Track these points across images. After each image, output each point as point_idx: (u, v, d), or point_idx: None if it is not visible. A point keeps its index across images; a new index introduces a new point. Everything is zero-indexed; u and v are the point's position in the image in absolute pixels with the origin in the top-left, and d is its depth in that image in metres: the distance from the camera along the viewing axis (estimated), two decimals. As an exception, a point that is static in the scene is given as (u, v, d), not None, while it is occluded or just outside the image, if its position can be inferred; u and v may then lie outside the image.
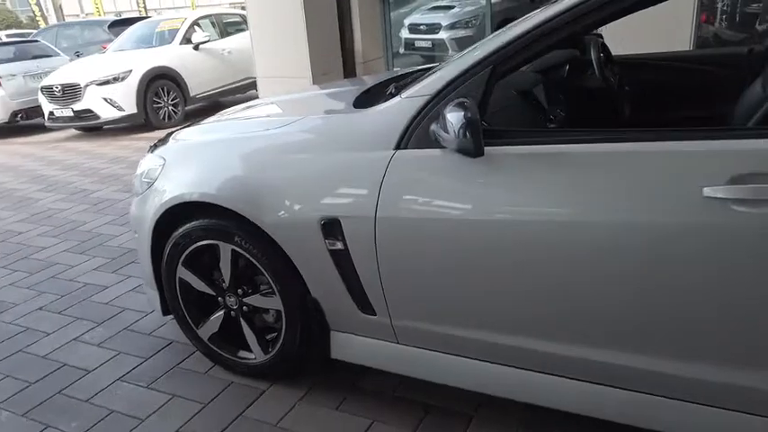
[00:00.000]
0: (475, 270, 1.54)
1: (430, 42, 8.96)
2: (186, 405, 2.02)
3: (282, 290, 1.88)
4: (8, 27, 28.46)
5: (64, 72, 7.90)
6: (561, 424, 1.73)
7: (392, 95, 1.73)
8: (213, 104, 8.49)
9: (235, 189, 1.85)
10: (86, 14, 29.24)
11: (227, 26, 8.99)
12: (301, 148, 1.80)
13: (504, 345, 1.58)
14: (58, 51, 9.92)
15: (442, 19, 9.20)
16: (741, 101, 1.81)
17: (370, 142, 1.65)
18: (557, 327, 1.49)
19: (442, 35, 9.06)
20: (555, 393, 1.58)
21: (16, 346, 2.50)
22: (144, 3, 24.58)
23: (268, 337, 2.06)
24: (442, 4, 8.87)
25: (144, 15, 18.09)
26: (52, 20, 24.82)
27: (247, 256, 1.89)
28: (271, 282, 1.89)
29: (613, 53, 2.77)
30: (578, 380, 1.52)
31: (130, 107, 7.50)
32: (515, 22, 1.58)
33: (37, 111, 8.32)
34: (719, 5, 5.40)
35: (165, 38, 8.39)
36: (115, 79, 7.47)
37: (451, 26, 9.12)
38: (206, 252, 2.01)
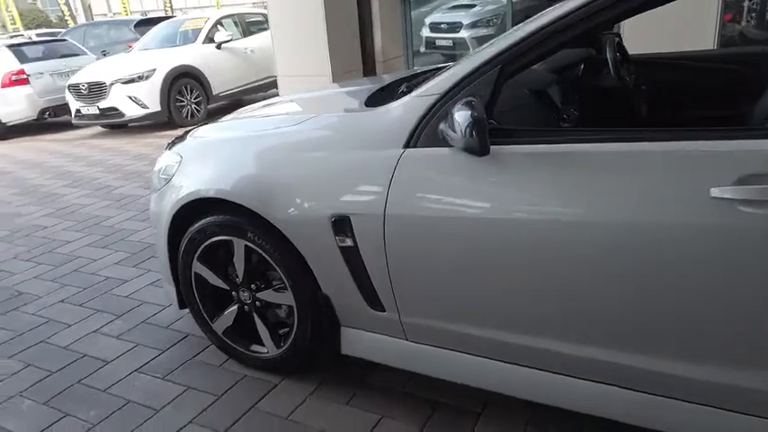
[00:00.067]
0: (483, 269, 1.55)
1: (451, 41, 8.94)
2: (200, 397, 2.06)
3: (294, 285, 1.91)
4: (38, 26, 29.10)
5: (90, 70, 8.07)
6: (567, 422, 1.73)
7: (404, 94, 1.75)
8: (235, 103, 8.58)
9: (248, 186, 1.89)
10: (114, 14, 29.73)
11: (250, 25, 9.09)
12: (312, 146, 1.83)
13: (510, 343, 1.59)
14: (85, 50, 10.13)
15: (464, 18, 9.17)
16: (761, 100, 1.79)
17: (379, 141, 1.67)
18: (563, 326, 1.50)
19: (463, 34, 9.03)
20: (561, 392, 1.58)
21: (39, 337, 2.58)
22: (170, 2, 24.92)
23: (280, 331, 2.09)
24: (464, 3, 8.84)
25: (169, 15, 18.35)
26: (81, 19, 25.31)
27: (260, 251, 1.93)
28: (283, 277, 1.93)
29: (633, 52, 2.75)
30: (585, 379, 1.53)
31: (154, 105, 7.64)
32: (525, 21, 1.59)
33: (64, 108, 8.51)
34: (746, 4, 5.30)
35: (188, 37, 8.51)
36: (140, 78, 7.61)
37: (472, 25, 9.09)
38: (221, 247, 2.05)
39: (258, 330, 2.10)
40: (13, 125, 8.79)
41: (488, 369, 1.67)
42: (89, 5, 27.20)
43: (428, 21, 9.20)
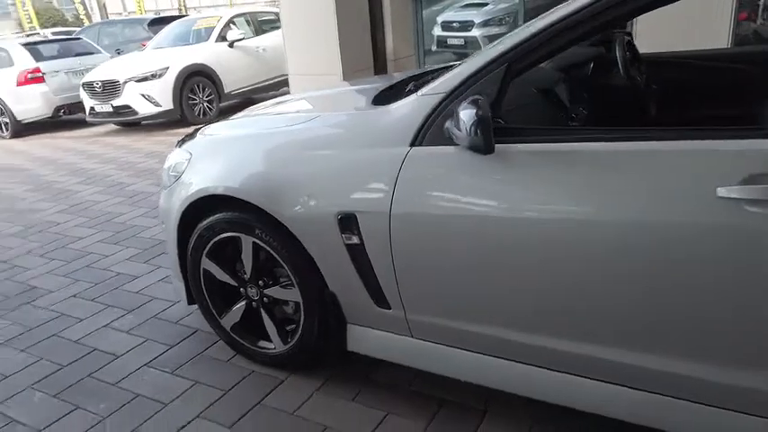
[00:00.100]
0: (488, 267, 1.55)
1: (462, 40, 8.92)
2: (208, 391, 2.08)
3: (301, 282, 1.93)
4: (54, 25, 29.39)
5: (104, 69, 8.15)
6: (572, 422, 1.73)
7: (411, 93, 1.75)
8: (247, 101, 8.62)
9: (255, 183, 1.90)
10: (129, 13, 29.97)
11: (262, 24, 9.13)
12: (319, 144, 1.84)
13: (515, 341, 1.59)
14: (100, 49, 10.23)
15: (475, 16, 9.15)
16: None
17: (385, 139, 1.68)
18: (568, 325, 1.50)
19: (475, 32, 9.01)
20: (567, 391, 1.58)
21: (51, 331, 2.62)
22: (184, 1, 25.09)
23: (287, 328, 2.11)
24: (476, 2, 8.83)
25: (182, 14, 18.48)
26: (96, 18, 25.56)
27: (268, 248, 1.95)
28: (290, 274, 1.94)
29: (646, 51, 2.74)
30: (591, 378, 1.52)
31: (167, 103, 7.70)
32: (533, 20, 1.59)
33: (79, 106, 8.60)
34: (761, 2, 5.23)
35: (201, 36, 8.57)
36: (153, 76, 7.67)
37: (484, 23, 9.07)
38: (229, 244, 2.07)
39: (265, 326, 2.12)
40: (28, 123, 8.91)
41: (493, 367, 1.67)
42: (104, 4, 27.47)
43: (440, 19, 9.19)
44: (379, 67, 6.59)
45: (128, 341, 2.47)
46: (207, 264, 2.14)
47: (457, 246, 1.58)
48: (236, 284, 2.14)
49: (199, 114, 7.98)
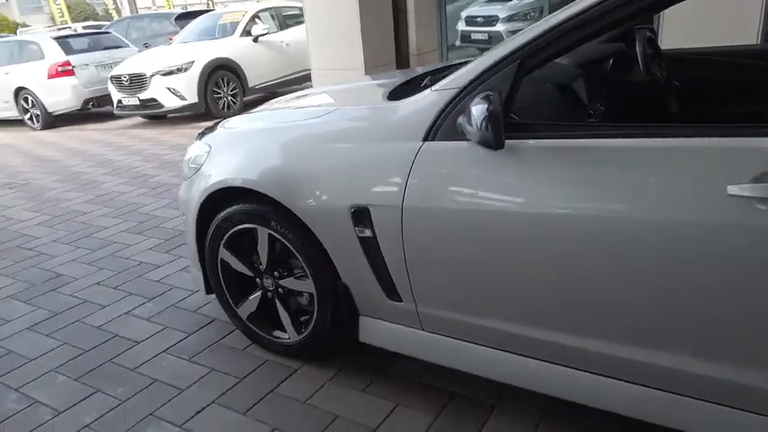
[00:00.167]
0: (497, 261, 1.56)
1: (487, 35, 8.88)
2: (223, 379, 2.13)
3: (315, 274, 1.96)
4: (86, 19, 29.97)
5: (132, 62, 8.31)
6: (581, 418, 1.73)
7: (425, 88, 1.77)
8: (271, 95, 8.70)
9: (272, 176, 1.94)
10: (158, 7, 30.38)
11: (287, 19, 9.19)
12: (333, 138, 1.87)
13: (524, 336, 1.60)
14: (128, 42, 10.42)
15: (500, 11, 9.09)
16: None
17: (399, 134, 1.70)
18: (578, 321, 1.50)
19: (499, 27, 8.95)
20: (574, 386, 1.58)
21: (74, 317, 2.70)
22: (211, -5, 25.35)
23: (301, 318, 2.14)
24: (500, -4, 8.74)
25: (208, 8, 18.68)
26: (126, 12, 25.98)
27: (283, 240, 1.98)
28: (304, 266, 1.97)
29: (672, 47, 2.70)
30: (598, 374, 1.53)
31: (192, 97, 7.81)
32: (548, 16, 1.59)
33: (107, 99, 8.77)
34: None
35: (226, 30, 8.67)
36: (178, 70, 7.79)
37: (509, 18, 9.00)
38: (245, 235, 2.11)
39: (280, 317, 2.16)
40: (58, 114, 9.12)
41: (502, 361, 1.68)
42: (133, -2, 27.86)
43: (464, 14, 9.15)
44: (402, 62, 6.59)
45: (148, 328, 2.54)
46: (224, 254, 2.19)
47: (468, 240, 1.59)
48: (252, 275, 2.18)
49: (223, 108, 8.08)
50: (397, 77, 2.44)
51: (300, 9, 9.09)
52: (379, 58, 6.19)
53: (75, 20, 27.78)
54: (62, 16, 26.95)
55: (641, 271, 1.35)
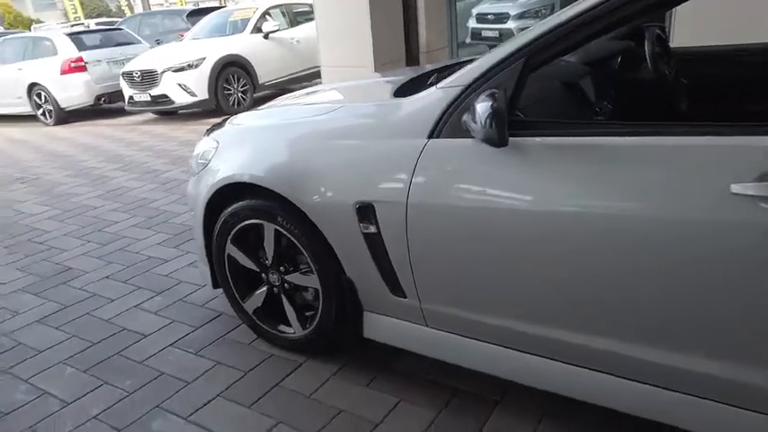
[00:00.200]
0: (500, 259, 1.57)
1: (497, 32, 8.85)
2: (229, 372, 2.15)
3: (320, 269, 1.97)
4: (99, 15, 30.16)
5: (143, 59, 8.36)
6: (582, 415, 1.74)
7: (431, 85, 1.77)
8: (281, 92, 8.72)
9: (278, 172, 1.95)
10: (170, 4, 30.52)
11: (297, 15, 9.21)
12: (339, 134, 1.88)
13: (527, 333, 1.61)
14: (140, 39, 10.49)
15: (511, 8, 9.06)
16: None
17: (404, 131, 1.70)
18: (581, 318, 1.50)
19: (510, 25, 8.93)
20: (577, 383, 1.59)
21: (83, 310, 2.74)
22: (223, -8, 25.41)
23: (306, 313, 2.16)
24: (511, -7, 8.71)
25: (220, 5, 18.74)
26: (138, 9, 26.12)
27: (289, 236, 2.00)
28: (309, 261, 1.99)
29: (690, 44, 2.67)
30: (601, 372, 1.53)
31: (202, 93, 7.85)
32: (554, 14, 1.58)
33: (119, 95, 8.84)
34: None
35: (237, 27, 8.70)
36: (189, 66, 7.83)
37: (520, 16, 8.97)
38: (252, 230, 2.13)
39: (286, 311, 2.17)
40: (71, 110, 9.21)
41: (504, 357, 1.69)
42: (146, -5, 28.01)
43: (475, 11, 9.12)
44: (411, 59, 6.58)
45: (155, 322, 2.57)
46: (231, 249, 2.21)
47: (472, 238, 1.59)
48: (259, 270, 2.20)
49: (233, 104, 8.11)
50: (405, 74, 2.45)
51: (311, 6, 9.12)
52: (388, 55, 6.19)
53: (88, 16, 27.99)
54: (75, 13, 27.18)
55: (646, 270, 1.35)
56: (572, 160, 1.43)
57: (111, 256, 3.37)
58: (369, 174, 1.76)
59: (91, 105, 9.28)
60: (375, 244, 1.78)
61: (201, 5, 17.06)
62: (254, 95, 8.40)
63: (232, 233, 2.17)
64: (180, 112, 8.50)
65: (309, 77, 8.92)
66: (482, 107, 1.43)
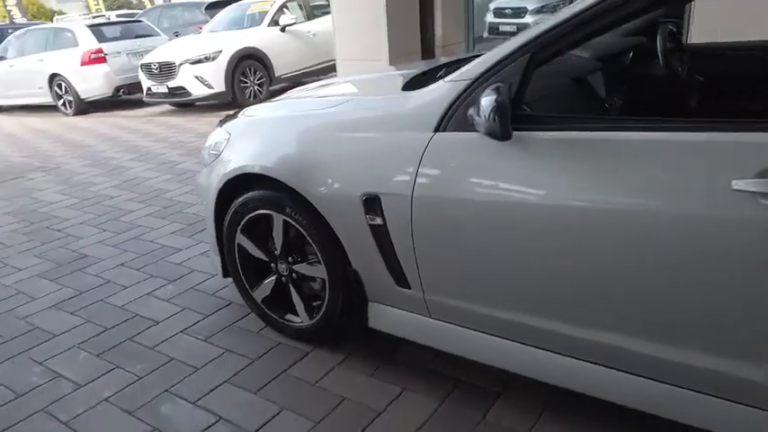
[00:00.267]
0: (504, 252, 1.58)
1: (515, 27, 8.79)
2: (237, 359, 2.20)
3: (327, 260, 2.00)
4: (120, 7, 30.47)
5: (161, 51, 8.45)
6: (583, 408, 1.75)
7: (440, 79, 1.79)
8: (297, 85, 8.76)
9: (287, 163, 1.98)
10: (190, -4, 30.67)
11: (314, 9, 9.22)
12: (347, 127, 1.90)
13: (529, 326, 1.62)
14: (159, 31, 10.59)
15: (529, 3, 9.01)
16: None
17: (410, 124, 1.72)
18: (583, 312, 1.51)
19: (528, 20, 8.88)
20: (578, 376, 1.60)
21: (98, 296, 2.80)
22: (242, -15, 25.51)
23: (314, 303, 2.19)
24: (530, -12, 8.65)
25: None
26: (159, 1, 26.35)
27: (297, 226, 2.03)
28: (317, 252, 2.02)
29: (706, 41, 2.65)
30: (603, 365, 1.54)
31: (219, 85, 7.91)
32: (561, 10, 1.59)
33: (137, 87, 8.93)
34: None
35: (255, 20, 8.74)
36: (206, 59, 7.89)
37: (538, 10, 8.92)
38: (261, 221, 2.17)
39: (293, 301, 2.21)
40: (90, 101, 9.34)
41: (507, 350, 1.70)
42: (167, -13, 28.24)
43: (492, 6, 9.07)
44: (427, 54, 6.57)
45: (167, 309, 2.62)
46: (241, 239, 2.24)
47: (475, 230, 1.61)
48: (268, 260, 2.23)
49: (249, 97, 8.16)
50: (417, 68, 2.46)
51: (328, -1, 9.14)
52: (404, 49, 6.18)
53: (109, 8, 28.29)
54: (97, 4, 27.48)
55: (648, 265, 1.35)
56: (574, 154, 1.44)
57: (125, 245, 3.44)
58: (376, 166, 1.78)
59: (110, 96, 9.40)
60: (381, 236, 1.80)
61: (218, -1, 17.13)
62: (270, 88, 8.44)
63: (242, 223, 2.20)
64: (197, 104, 8.58)
65: (325, 71, 8.93)
66: (486, 101, 1.45)
